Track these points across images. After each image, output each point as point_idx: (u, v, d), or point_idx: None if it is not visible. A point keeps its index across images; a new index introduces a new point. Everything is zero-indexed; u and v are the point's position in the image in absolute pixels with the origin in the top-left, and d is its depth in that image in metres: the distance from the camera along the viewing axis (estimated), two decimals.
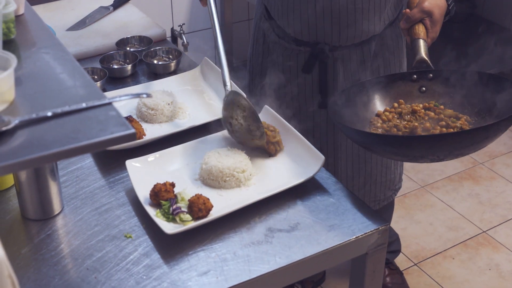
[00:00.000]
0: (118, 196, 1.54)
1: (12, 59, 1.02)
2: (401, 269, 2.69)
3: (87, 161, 1.66)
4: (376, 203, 2.24)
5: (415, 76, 1.70)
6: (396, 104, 1.69)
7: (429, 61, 1.66)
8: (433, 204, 3.12)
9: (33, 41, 1.24)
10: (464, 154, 1.50)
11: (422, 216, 3.04)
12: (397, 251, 2.62)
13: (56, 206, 1.49)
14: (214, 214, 1.44)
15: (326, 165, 1.94)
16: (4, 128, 0.93)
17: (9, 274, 0.85)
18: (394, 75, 1.78)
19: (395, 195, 2.31)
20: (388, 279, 2.56)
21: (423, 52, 1.66)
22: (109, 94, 1.87)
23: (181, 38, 3.50)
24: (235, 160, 1.54)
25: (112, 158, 1.65)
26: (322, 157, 1.55)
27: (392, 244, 2.58)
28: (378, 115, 1.68)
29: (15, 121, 0.94)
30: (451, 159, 1.51)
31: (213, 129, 1.73)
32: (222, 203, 1.49)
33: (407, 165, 3.37)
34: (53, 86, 1.07)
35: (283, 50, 1.97)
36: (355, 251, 1.44)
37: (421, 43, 1.66)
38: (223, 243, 1.40)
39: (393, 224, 2.98)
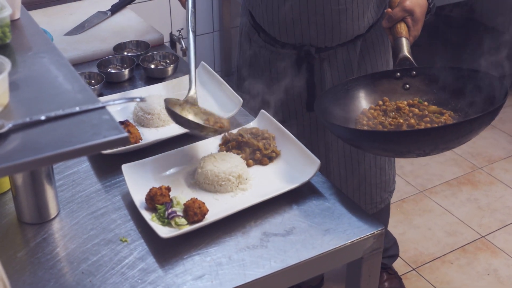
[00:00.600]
0: (114, 200, 1.55)
1: (6, 63, 1.02)
2: (399, 274, 2.69)
3: (84, 165, 1.66)
4: (373, 206, 2.24)
5: (398, 74, 1.73)
6: (380, 102, 1.72)
7: (411, 59, 1.68)
8: (432, 209, 3.12)
9: (28, 46, 1.25)
10: (449, 148, 1.53)
11: (421, 221, 3.04)
12: (395, 256, 2.62)
13: (52, 210, 1.49)
14: (209, 218, 1.44)
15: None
16: None
17: (1, 277, 0.85)
18: (378, 73, 1.80)
19: (391, 197, 2.32)
20: (386, 284, 2.57)
21: (405, 50, 1.68)
22: (105, 98, 1.88)
23: (180, 43, 3.51)
24: (231, 165, 1.55)
25: (108, 162, 1.65)
26: (318, 162, 1.55)
27: (390, 249, 2.58)
28: (363, 113, 1.70)
29: (8, 125, 0.94)
30: (437, 153, 1.54)
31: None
32: (218, 207, 1.49)
33: (405, 170, 3.37)
34: (47, 90, 1.07)
35: (269, 54, 1.99)
36: (350, 256, 1.44)
37: (404, 41, 1.70)
38: (218, 247, 1.40)
39: (391, 229, 2.97)
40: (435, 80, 1.70)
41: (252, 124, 1.75)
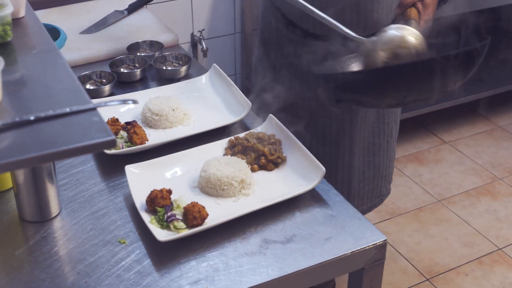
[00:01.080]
0: (116, 201, 1.54)
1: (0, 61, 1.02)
2: (413, 284, 2.66)
3: (89, 164, 1.66)
4: (380, 199, 2.31)
5: None
6: None
7: None
8: (449, 219, 3.07)
9: (30, 45, 1.24)
10: (424, 92, 1.61)
11: (437, 230, 3.00)
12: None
13: (54, 209, 1.49)
14: (209, 222, 1.43)
15: (342, 161, 2.09)
16: None
17: None
18: None
19: (390, 189, 2.38)
20: None
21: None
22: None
23: (201, 44, 3.52)
24: (234, 169, 1.53)
25: (113, 163, 1.64)
26: (323, 169, 1.53)
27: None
28: None
29: None
30: (414, 100, 1.64)
31: (217, 137, 1.72)
32: (219, 212, 1.47)
33: (424, 179, 3.33)
34: (42, 90, 1.06)
35: (296, 48, 1.99)
36: (350, 266, 1.42)
37: (412, 22, 1.75)
38: (216, 253, 1.39)
39: (407, 238, 2.94)
40: None
41: (260, 129, 1.73)
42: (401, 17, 1.79)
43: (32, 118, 0.95)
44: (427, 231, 3.00)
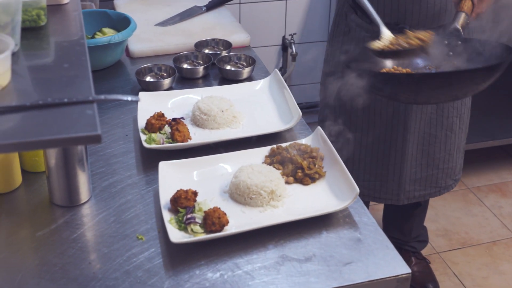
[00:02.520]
0: (146, 196, 1.53)
1: (10, 43, 1.02)
2: None
3: (129, 156, 1.66)
4: (437, 190, 2.39)
5: (446, 41, 1.88)
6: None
7: (461, 31, 1.84)
8: None
9: (61, 32, 1.25)
10: (434, 98, 1.82)
11: (509, 267, 2.84)
12: (425, 241, 2.77)
13: (83, 196, 1.50)
14: (228, 230, 1.39)
15: (395, 144, 2.23)
16: None
17: None
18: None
19: (455, 185, 2.44)
20: (415, 268, 2.71)
21: (459, 22, 1.85)
22: (170, 93, 1.88)
23: (291, 48, 3.49)
24: (265, 179, 1.49)
25: (152, 158, 1.64)
26: (357, 190, 1.46)
27: (421, 235, 2.73)
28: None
29: None
30: (425, 103, 1.94)
31: (262, 143, 1.68)
32: (242, 220, 1.44)
33: (504, 212, 3.15)
34: (53, 78, 1.06)
35: (364, 33, 2.11)
36: None
37: (462, 15, 1.85)
38: (230, 262, 1.35)
39: (475, 271, 2.80)
40: (479, 53, 1.83)
41: (305, 141, 1.68)
42: (456, 6, 1.89)
43: (27, 104, 0.95)
44: (498, 267, 2.83)
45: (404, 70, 1.89)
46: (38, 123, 0.92)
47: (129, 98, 1.09)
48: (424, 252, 2.83)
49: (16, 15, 1.11)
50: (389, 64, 1.91)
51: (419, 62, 1.92)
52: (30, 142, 0.87)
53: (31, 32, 1.22)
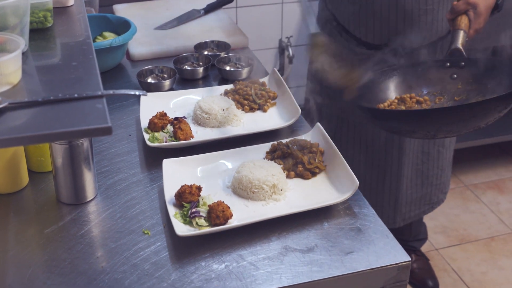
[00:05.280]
0: (151, 193, 1.57)
1: (21, 43, 1.06)
2: None
3: (133, 155, 1.70)
4: (430, 207, 2.39)
5: (448, 64, 1.82)
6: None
7: (463, 51, 1.76)
8: None
9: (68, 33, 1.29)
10: (454, 132, 1.66)
11: (507, 262, 2.87)
12: (424, 239, 2.78)
13: (89, 194, 1.54)
14: (232, 223, 1.43)
15: (390, 168, 2.18)
16: None
17: None
18: (429, 62, 1.88)
19: (445, 198, 2.44)
20: (414, 265, 2.73)
21: (459, 42, 1.76)
22: (167, 94, 1.92)
23: (287, 50, 3.53)
24: (267, 173, 1.53)
25: (156, 156, 1.68)
26: (357, 183, 1.50)
27: (420, 233, 2.75)
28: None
29: (4, 103, 0.98)
30: (444, 137, 1.71)
31: (263, 140, 1.72)
32: (245, 214, 1.47)
33: (502, 208, 3.19)
34: (62, 76, 1.10)
35: (351, 56, 2.04)
36: (368, 284, 1.38)
37: (460, 33, 1.77)
38: (235, 254, 1.39)
39: (473, 266, 2.84)
40: (482, 72, 1.76)
41: (305, 136, 1.71)
42: (451, 24, 1.81)
43: (40, 99, 0.99)
44: (496, 262, 2.87)
45: (414, 103, 1.80)
46: (51, 117, 0.96)
47: (137, 92, 1.13)
48: (423, 249, 2.87)
49: (24, 17, 1.15)
50: (392, 95, 1.85)
51: (423, 90, 1.84)
52: (44, 134, 0.91)
53: (38, 33, 1.26)
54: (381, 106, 1.80)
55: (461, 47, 1.77)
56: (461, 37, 1.76)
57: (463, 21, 1.77)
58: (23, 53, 1.13)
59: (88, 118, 0.96)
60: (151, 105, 1.83)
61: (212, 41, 2.19)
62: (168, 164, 1.58)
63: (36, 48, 1.19)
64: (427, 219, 2.97)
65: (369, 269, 1.36)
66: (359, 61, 1.95)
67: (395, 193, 2.23)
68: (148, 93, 1.89)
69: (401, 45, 1.94)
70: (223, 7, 2.51)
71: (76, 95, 1.00)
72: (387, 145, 2.13)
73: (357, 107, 1.74)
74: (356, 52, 1.99)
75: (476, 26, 1.80)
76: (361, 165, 2.19)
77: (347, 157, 1.88)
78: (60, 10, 1.36)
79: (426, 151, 2.21)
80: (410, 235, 2.72)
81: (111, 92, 1.03)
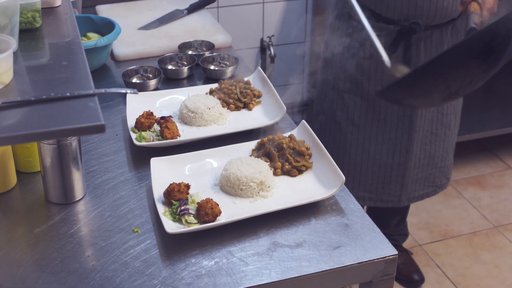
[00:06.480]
0: (139, 191, 1.58)
1: (12, 43, 1.07)
2: None
3: (120, 154, 1.71)
4: (433, 190, 2.44)
5: None
6: None
7: (477, 28, 1.81)
8: (503, 246, 2.97)
9: (56, 33, 1.30)
10: (468, 79, 1.65)
11: (490, 257, 2.91)
12: (405, 235, 2.83)
13: (78, 193, 1.54)
14: (221, 220, 1.44)
15: (400, 144, 2.24)
16: None
17: None
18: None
19: (447, 185, 2.50)
20: (398, 260, 2.71)
21: (473, 21, 1.82)
22: (153, 94, 1.93)
23: (269, 49, 3.55)
24: (254, 170, 1.54)
25: (143, 155, 1.69)
26: (343, 178, 1.52)
27: (401, 229, 2.79)
28: None
29: None
30: (460, 91, 1.71)
31: (249, 138, 1.74)
32: (234, 211, 1.49)
33: (483, 203, 3.24)
34: (53, 75, 1.11)
35: (365, 34, 2.06)
36: (356, 278, 1.40)
37: (471, 16, 1.84)
38: (224, 250, 1.40)
39: (456, 261, 2.87)
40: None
41: (291, 133, 1.73)
42: (465, 14, 1.88)
43: (32, 98, 1.00)
44: (479, 257, 2.91)
45: None
46: (45, 115, 0.97)
47: (128, 91, 1.14)
48: (406, 245, 2.90)
49: (14, 17, 1.15)
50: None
51: None
52: (38, 133, 0.92)
53: (27, 34, 1.26)
54: None
55: (475, 26, 1.82)
56: (471, 18, 1.82)
57: (473, 6, 1.85)
58: (13, 53, 1.13)
59: (81, 117, 0.97)
60: (137, 104, 1.84)
61: (196, 41, 2.21)
62: (156, 163, 1.59)
63: (26, 48, 1.20)
64: (410, 216, 3.00)
65: (357, 263, 1.38)
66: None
67: (403, 169, 2.28)
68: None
69: (423, 21, 2.04)
70: (206, 7, 2.52)
71: (68, 94, 1.01)
72: (399, 118, 2.19)
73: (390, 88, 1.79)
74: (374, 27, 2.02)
75: (488, 6, 1.86)
76: (372, 138, 2.25)
77: (360, 128, 2.09)
78: (48, 11, 1.37)
79: (434, 131, 2.27)
80: (393, 230, 2.74)
81: (103, 90, 1.05)
